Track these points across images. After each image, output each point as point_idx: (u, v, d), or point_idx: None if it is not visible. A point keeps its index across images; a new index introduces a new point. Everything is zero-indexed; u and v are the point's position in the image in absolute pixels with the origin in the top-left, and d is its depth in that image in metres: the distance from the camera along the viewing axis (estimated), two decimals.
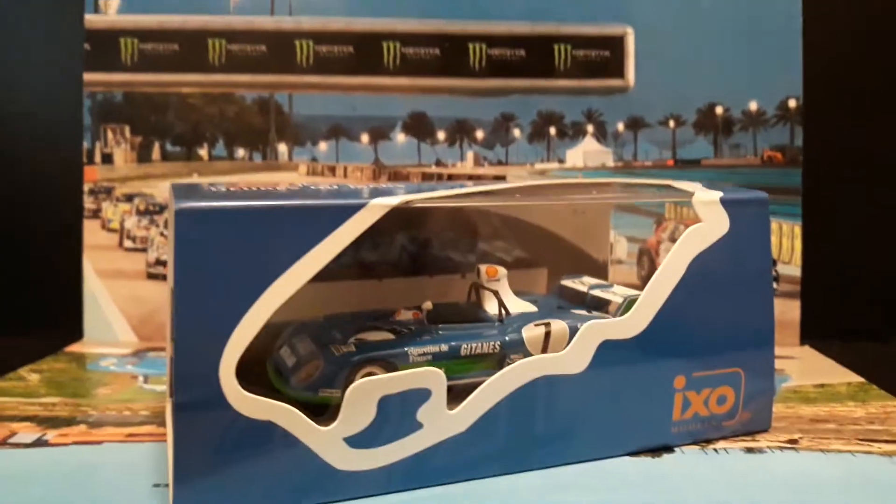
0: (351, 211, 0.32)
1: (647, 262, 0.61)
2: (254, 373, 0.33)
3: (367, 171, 0.65)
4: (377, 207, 0.33)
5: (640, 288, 0.39)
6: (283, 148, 0.64)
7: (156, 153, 0.64)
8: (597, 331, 0.37)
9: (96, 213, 0.63)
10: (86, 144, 0.63)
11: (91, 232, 0.63)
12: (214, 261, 0.31)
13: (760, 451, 0.39)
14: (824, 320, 0.62)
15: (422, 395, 0.34)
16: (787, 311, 0.61)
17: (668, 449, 0.38)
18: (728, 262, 0.39)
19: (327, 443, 0.32)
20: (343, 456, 0.33)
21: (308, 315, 0.43)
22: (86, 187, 0.63)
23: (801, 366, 0.56)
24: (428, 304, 0.42)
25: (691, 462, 0.38)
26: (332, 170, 0.64)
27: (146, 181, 0.64)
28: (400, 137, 0.65)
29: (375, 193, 0.34)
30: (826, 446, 0.40)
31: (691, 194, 0.40)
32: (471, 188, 0.38)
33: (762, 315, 0.41)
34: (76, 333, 0.62)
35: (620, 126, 0.65)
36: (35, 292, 0.65)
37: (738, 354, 0.40)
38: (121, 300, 0.62)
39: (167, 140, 0.64)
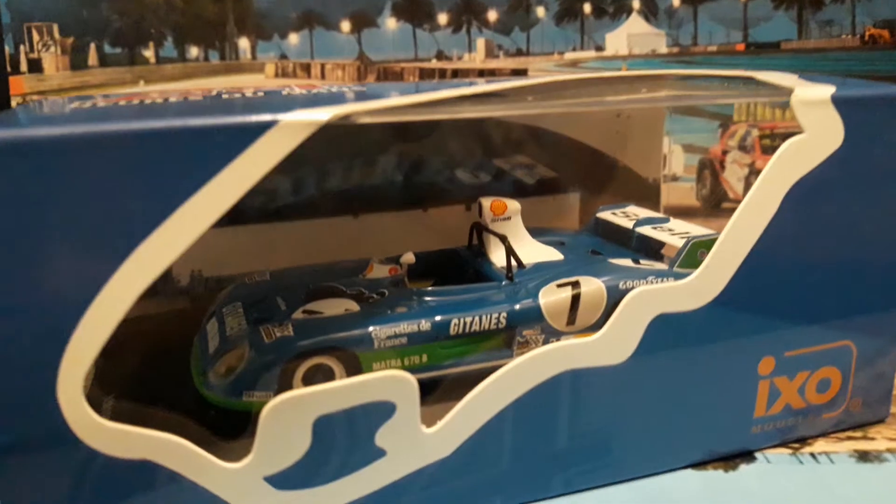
0: (250, 135, 0.20)
1: (710, 177, 0.48)
2: None
3: (351, 68, 0.52)
4: (291, 128, 0.20)
5: (701, 210, 0.27)
6: (244, 44, 0.51)
7: (92, 57, 0.52)
8: (648, 300, 0.25)
9: None
10: (8, 49, 0.51)
11: None
12: (35, 223, 0.19)
13: (878, 457, 0.28)
14: None
15: (382, 411, 0.23)
16: None
17: (748, 456, 0.28)
18: (842, 190, 0.27)
19: (240, 485, 0.22)
20: (265, 501, 0.22)
21: (256, 266, 0.32)
22: (13, 102, 0.52)
23: None
24: (409, 257, 0.31)
25: (779, 477, 0.28)
26: (307, 69, 0.51)
27: (84, 92, 0.52)
28: (390, 23, 0.51)
29: (309, 102, 0.22)
30: None
31: (788, 91, 0.27)
32: (457, 90, 0.26)
33: (888, 265, 0.28)
34: None
35: (676, 0, 0.51)
36: None
37: (850, 322, 0.29)
38: None
39: (105, 40, 0.51)
